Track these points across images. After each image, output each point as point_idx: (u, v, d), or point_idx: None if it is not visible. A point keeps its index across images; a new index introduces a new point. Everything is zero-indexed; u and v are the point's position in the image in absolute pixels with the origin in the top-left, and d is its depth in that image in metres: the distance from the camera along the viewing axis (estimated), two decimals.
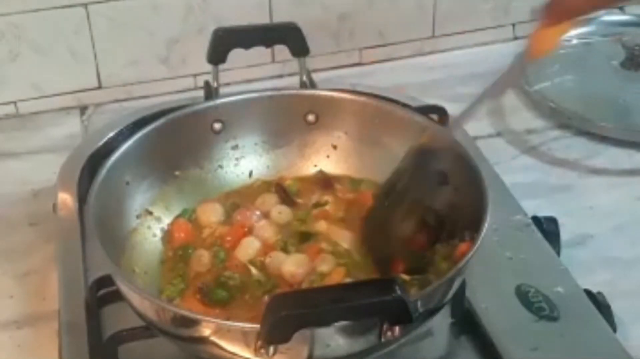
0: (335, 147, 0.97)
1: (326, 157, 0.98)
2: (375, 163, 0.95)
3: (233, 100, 0.98)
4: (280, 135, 0.99)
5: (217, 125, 0.97)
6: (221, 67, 1.28)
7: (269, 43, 1.00)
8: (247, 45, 0.98)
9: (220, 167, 0.98)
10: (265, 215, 0.92)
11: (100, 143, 1.09)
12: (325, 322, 0.66)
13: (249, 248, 0.89)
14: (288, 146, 0.99)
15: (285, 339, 0.65)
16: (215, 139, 0.97)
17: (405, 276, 0.84)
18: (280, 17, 1.27)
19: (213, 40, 0.98)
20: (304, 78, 1.01)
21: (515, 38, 1.38)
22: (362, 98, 0.95)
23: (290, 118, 0.98)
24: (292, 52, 1.00)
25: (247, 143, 0.98)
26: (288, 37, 0.99)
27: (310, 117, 0.97)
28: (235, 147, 0.98)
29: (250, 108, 0.98)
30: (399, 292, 0.65)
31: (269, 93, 1.01)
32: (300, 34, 0.99)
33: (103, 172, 0.86)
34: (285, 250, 0.88)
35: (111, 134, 1.11)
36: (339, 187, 0.96)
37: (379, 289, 0.66)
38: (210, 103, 0.99)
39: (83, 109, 1.27)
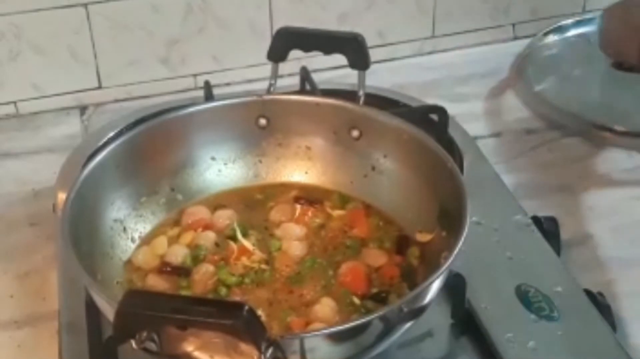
0: (373, 168, 0.97)
1: (363, 176, 0.96)
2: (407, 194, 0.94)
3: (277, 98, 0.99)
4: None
5: (262, 121, 0.98)
6: (222, 67, 1.29)
7: (328, 50, 0.96)
8: (306, 48, 0.97)
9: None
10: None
11: (100, 143, 1.09)
12: (158, 328, 0.65)
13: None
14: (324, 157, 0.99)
15: (130, 335, 0.65)
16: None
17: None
18: (280, 18, 1.27)
19: (275, 39, 0.98)
20: (360, 92, 0.96)
21: (515, 38, 1.38)
22: (406, 126, 0.93)
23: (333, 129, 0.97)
24: (351, 64, 0.96)
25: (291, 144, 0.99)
26: (348, 48, 0.95)
27: (355, 133, 0.97)
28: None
29: (294, 111, 0.98)
30: (237, 319, 0.63)
31: (317, 99, 1.01)
32: (361, 46, 0.95)
33: (78, 183, 0.86)
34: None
35: (111, 134, 1.11)
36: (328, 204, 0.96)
37: (220, 311, 0.64)
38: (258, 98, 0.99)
39: (83, 109, 1.27)
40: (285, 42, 0.97)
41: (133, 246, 0.91)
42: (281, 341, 0.66)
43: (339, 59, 0.95)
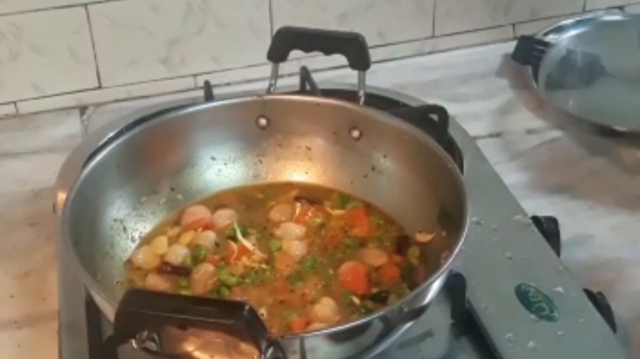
0: (373, 169, 0.96)
1: (363, 176, 0.97)
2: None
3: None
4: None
5: (263, 121, 0.98)
6: (222, 67, 1.29)
7: (328, 50, 0.96)
8: (306, 49, 0.97)
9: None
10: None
11: (100, 143, 1.08)
12: (159, 327, 0.65)
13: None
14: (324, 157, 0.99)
15: (130, 335, 0.65)
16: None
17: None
18: (280, 18, 1.27)
19: (275, 39, 0.98)
20: (361, 93, 0.96)
21: (515, 38, 1.38)
22: (406, 126, 0.93)
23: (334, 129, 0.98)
24: (351, 64, 0.96)
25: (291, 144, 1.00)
26: (348, 48, 0.95)
27: (355, 133, 0.96)
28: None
29: (295, 111, 0.99)
30: (238, 319, 0.63)
31: (317, 99, 1.01)
32: (362, 46, 0.95)
33: (78, 183, 0.86)
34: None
35: (111, 134, 1.11)
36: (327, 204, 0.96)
37: (220, 311, 0.64)
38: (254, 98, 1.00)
39: (83, 109, 1.27)
40: (286, 42, 0.97)
41: (133, 246, 0.91)
42: (281, 341, 0.67)
43: (339, 58, 0.95)
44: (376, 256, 0.89)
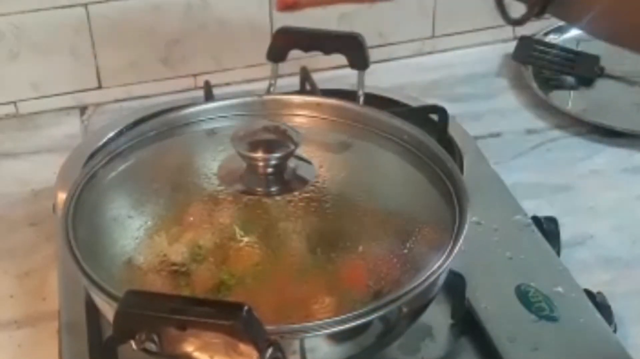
0: None
1: None
2: None
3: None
4: None
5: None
6: (221, 67, 1.29)
7: (327, 50, 0.96)
8: (305, 49, 0.97)
9: None
10: None
11: (100, 143, 1.09)
12: (158, 328, 0.65)
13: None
14: None
15: (129, 336, 0.65)
16: None
17: None
18: (280, 18, 1.26)
19: (274, 39, 0.98)
20: (360, 92, 0.96)
21: (515, 38, 1.38)
22: (406, 126, 0.92)
23: None
24: (350, 63, 0.96)
25: None
26: (347, 47, 0.95)
27: None
28: None
29: (295, 111, 0.98)
30: (236, 320, 0.63)
31: (317, 99, 1.00)
32: (361, 46, 0.95)
33: (79, 183, 0.86)
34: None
35: (111, 134, 1.11)
36: None
37: (219, 312, 0.64)
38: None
39: (83, 109, 1.27)
40: (285, 42, 0.97)
41: (133, 245, 0.91)
42: (281, 341, 0.66)
43: (339, 58, 0.95)
44: (376, 255, 0.89)
